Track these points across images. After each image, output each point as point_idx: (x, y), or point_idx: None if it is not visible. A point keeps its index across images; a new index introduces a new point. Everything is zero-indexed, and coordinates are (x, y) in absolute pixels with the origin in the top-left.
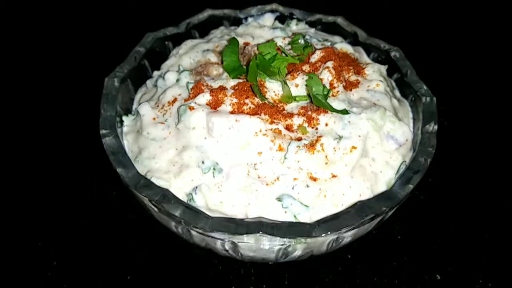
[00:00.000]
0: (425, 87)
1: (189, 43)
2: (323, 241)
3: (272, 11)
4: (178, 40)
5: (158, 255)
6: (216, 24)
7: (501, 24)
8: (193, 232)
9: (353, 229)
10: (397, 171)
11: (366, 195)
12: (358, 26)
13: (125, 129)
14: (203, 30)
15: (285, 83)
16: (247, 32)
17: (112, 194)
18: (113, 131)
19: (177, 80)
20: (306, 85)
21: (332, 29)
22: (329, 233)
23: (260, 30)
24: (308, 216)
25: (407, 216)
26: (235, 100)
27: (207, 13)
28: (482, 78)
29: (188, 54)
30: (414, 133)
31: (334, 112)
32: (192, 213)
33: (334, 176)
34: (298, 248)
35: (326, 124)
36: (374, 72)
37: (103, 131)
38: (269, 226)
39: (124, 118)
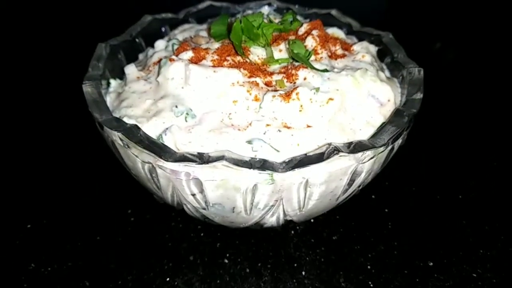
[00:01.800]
0: (413, 64)
1: (185, 26)
2: (292, 184)
3: (269, 4)
4: (176, 26)
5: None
6: (214, 16)
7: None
8: (159, 171)
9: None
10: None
11: None
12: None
13: (110, 89)
14: (201, 19)
15: (269, 45)
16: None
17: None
18: (95, 83)
19: (166, 47)
20: (289, 48)
21: (327, 22)
22: (295, 169)
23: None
24: (278, 161)
25: (399, 208)
26: (216, 57)
27: (206, 3)
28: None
29: (182, 33)
30: (401, 102)
31: (314, 69)
32: (158, 145)
33: (309, 126)
34: (266, 191)
35: (305, 78)
36: (362, 49)
37: (85, 82)
38: (233, 158)
39: (111, 81)
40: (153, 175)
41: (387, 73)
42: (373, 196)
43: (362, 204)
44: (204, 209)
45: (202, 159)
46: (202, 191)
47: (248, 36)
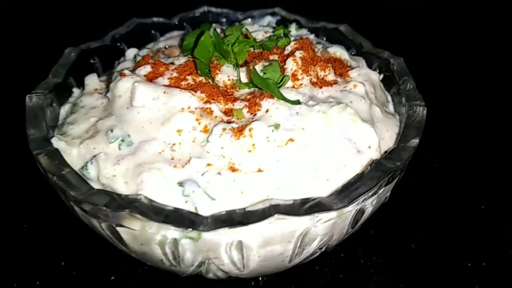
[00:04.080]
0: (419, 101)
1: (174, 33)
2: (218, 243)
3: (273, 14)
4: (169, 31)
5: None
6: (211, 22)
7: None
8: (77, 209)
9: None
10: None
11: None
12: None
13: (71, 99)
14: (197, 26)
15: (237, 65)
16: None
17: None
18: (43, 94)
19: (135, 56)
20: (262, 71)
21: (336, 38)
22: (220, 227)
23: (249, 27)
24: (213, 212)
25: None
26: (175, 75)
27: (203, 9)
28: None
29: (165, 42)
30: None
31: (282, 100)
32: (71, 177)
33: (260, 170)
34: (188, 248)
35: (267, 110)
36: (360, 76)
37: (34, 91)
38: (147, 205)
39: (74, 89)
40: (73, 208)
41: (391, 107)
42: (359, 250)
43: (344, 255)
44: (132, 255)
45: (111, 203)
46: (119, 237)
47: (220, 53)
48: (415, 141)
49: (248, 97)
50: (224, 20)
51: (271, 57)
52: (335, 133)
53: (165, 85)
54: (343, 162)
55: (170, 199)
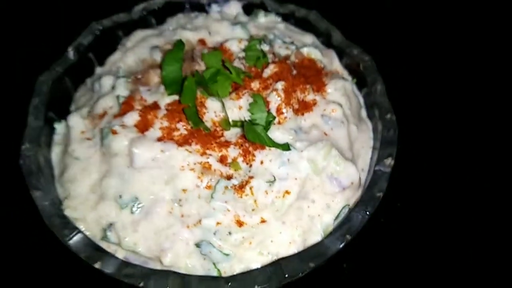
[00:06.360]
0: (389, 115)
1: (138, 34)
2: None
3: None
4: (131, 28)
5: None
6: (176, 10)
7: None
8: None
9: None
10: (337, 216)
11: (297, 243)
12: (343, 22)
13: (56, 138)
14: (161, 16)
15: (223, 105)
16: (205, 25)
17: None
18: (35, 146)
19: (113, 88)
20: (248, 110)
21: (306, 24)
22: None
23: (219, 24)
24: (229, 266)
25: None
26: (165, 124)
27: None
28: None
29: (134, 50)
30: (370, 166)
31: (272, 148)
32: (99, 255)
33: (263, 221)
34: None
35: (262, 162)
36: (337, 91)
37: (26, 145)
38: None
39: (56, 125)
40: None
41: (364, 112)
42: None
43: None
44: None
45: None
46: None
47: (205, 91)
48: (390, 162)
49: (240, 140)
50: (187, 6)
51: (252, 85)
52: (324, 176)
53: (158, 139)
54: (331, 198)
55: (190, 258)
